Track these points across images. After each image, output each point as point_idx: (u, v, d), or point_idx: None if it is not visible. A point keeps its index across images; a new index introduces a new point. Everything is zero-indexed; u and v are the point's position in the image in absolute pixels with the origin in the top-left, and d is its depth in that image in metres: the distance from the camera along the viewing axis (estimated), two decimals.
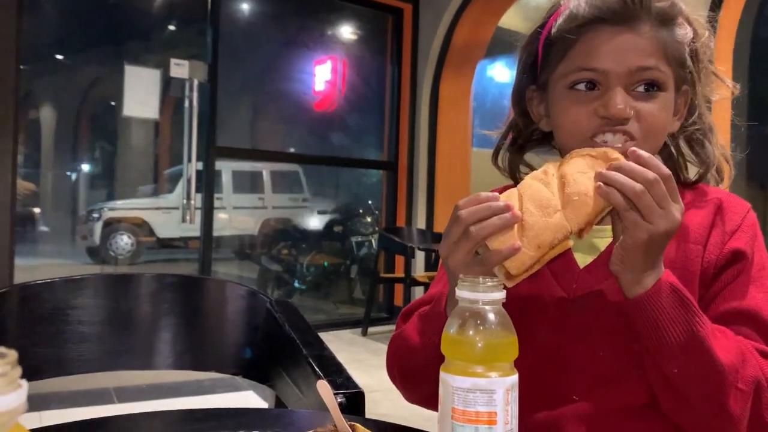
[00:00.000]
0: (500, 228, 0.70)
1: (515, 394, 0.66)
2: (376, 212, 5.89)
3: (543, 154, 0.98)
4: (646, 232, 0.68)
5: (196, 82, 4.32)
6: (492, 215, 0.70)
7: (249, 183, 8.06)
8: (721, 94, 0.88)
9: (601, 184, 0.70)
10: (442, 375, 0.67)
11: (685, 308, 0.72)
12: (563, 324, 0.83)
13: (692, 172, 0.91)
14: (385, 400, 3.31)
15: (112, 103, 7.05)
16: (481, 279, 0.66)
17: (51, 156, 8.90)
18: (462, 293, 0.66)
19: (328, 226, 6.37)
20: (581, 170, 0.72)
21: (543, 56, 0.86)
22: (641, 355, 0.75)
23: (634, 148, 0.70)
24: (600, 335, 0.80)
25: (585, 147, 0.80)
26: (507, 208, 0.70)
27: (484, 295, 0.65)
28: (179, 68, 4.29)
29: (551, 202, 0.72)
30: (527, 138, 0.94)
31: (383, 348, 3.98)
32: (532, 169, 0.96)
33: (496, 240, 0.71)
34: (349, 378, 1.07)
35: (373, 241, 5.66)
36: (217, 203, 6.98)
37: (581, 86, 0.81)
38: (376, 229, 5.60)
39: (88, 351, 1.34)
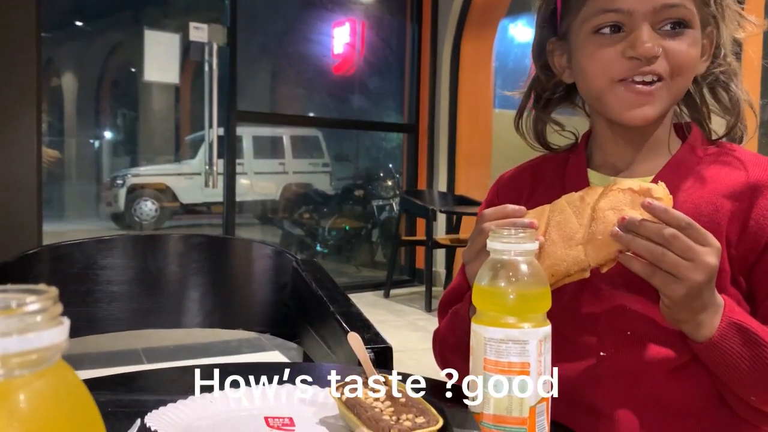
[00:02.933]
0: None
1: (548, 345, 0.65)
2: (397, 176, 5.87)
3: (568, 115, 0.96)
4: (680, 289, 0.67)
5: (215, 46, 4.29)
6: None
7: (269, 148, 8.07)
8: (749, 32, 0.85)
9: (621, 252, 0.68)
10: (474, 326, 0.67)
11: (754, 344, 0.70)
12: (590, 280, 0.82)
13: (716, 125, 0.89)
14: (408, 359, 3.36)
15: (133, 69, 7.05)
16: (513, 230, 0.66)
17: (74, 123, 8.98)
18: (494, 244, 0.66)
19: (349, 190, 6.37)
20: (616, 207, 0.70)
21: (562, 3, 0.83)
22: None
23: (649, 201, 0.67)
24: (627, 291, 0.79)
25: (613, 91, 0.79)
26: (531, 227, 0.70)
27: (516, 246, 0.65)
28: (198, 32, 4.26)
29: (575, 235, 0.71)
30: (551, 93, 0.92)
31: (405, 309, 4.02)
32: (559, 126, 0.94)
33: None
34: (377, 334, 1.08)
35: (394, 204, 5.66)
36: (238, 169, 7.01)
37: (606, 30, 0.79)
38: (397, 192, 5.60)
39: (118, 310, 1.37)
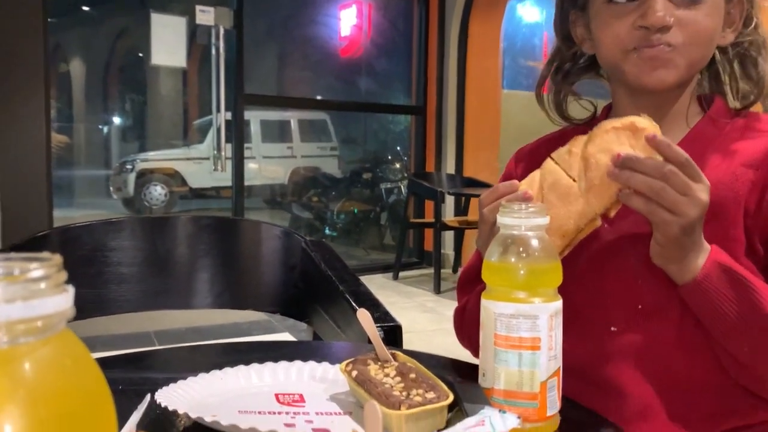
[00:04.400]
0: None
1: (559, 320, 0.65)
2: (405, 158, 5.85)
3: (591, 91, 0.95)
4: (676, 225, 0.67)
5: (222, 29, 4.27)
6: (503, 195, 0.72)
7: (277, 132, 8.06)
8: None
9: (621, 190, 0.69)
10: (484, 302, 0.66)
11: (740, 285, 0.70)
12: (600, 254, 0.81)
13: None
14: (418, 340, 3.37)
15: (140, 54, 7.04)
16: (523, 205, 0.65)
17: (82, 108, 8.98)
18: (504, 219, 0.65)
19: (357, 173, 6.36)
20: (606, 148, 0.69)
21: None
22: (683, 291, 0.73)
23: (653, 135, 0.67)
24: (638, 265, 0.78)
25: (627, 60, 0.78)
26: (526, 198, 0.71)
27: (527, 221, 0.64)
28: (205, 15, 4.24)
29: (571, 190, 0.71)
30: (572, 65, 0.91)
31: (414, 291, 4.03)
32: (577, 96, 0.93)
33: None
34: (386, 312, 1.08)
35: (402, 187, 5.65)
36: (246, 153, 7.00)
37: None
38: (405, 175, 5.58)
39: (128, 291, 1.37)
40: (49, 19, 3.86)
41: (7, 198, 3.69)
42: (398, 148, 6.24)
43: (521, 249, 0.64)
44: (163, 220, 1.44)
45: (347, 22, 6.08)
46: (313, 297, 1.29)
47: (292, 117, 7.98)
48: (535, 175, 0.74)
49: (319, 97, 7.70)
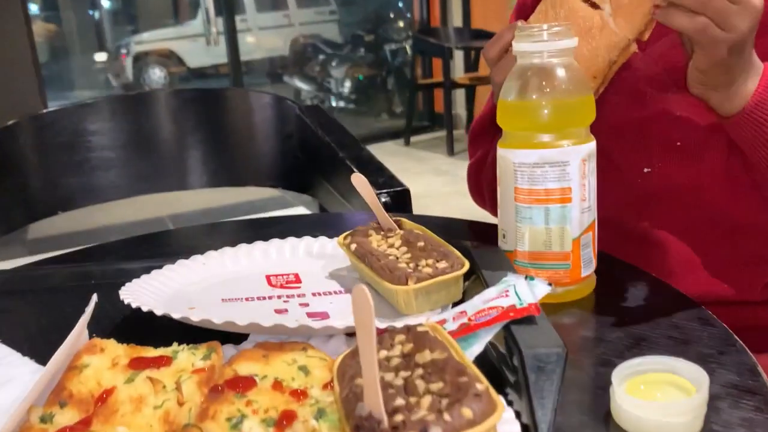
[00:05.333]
0: None
1: (593, 164, 0.54)
2: (408, 14, 5.52)
3: None
4: (724, 44, 0.53)
5: None
6: None
7: (271, 1, 7.64)
8: None
9: (657, 7, 0.54)
10: (500, 151, 0.55)
11: None
12: (632, 86, 0.68)
13: None
14: (435, 204, 3.31)
15: None
16: (545, 26, 0.52)
17: None
18: (521, 46, 0.52)
19: (359, 36, 6.04)
20: None
21: None
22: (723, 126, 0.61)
23: None
24: (677, 93, 0.66)
25: None
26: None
27: (550, 44, 0.51)
28: None
29: (593, 21, 0.56)
30: None
31: (427, 156, 3.90)
32: None
33: None
34: (392, 176, 0.98)
35: (407, 47, 5.37)
36: (242, 25, 6.66)
37: None
38: (410, 33, 5.28)
39: (118, 177, 1.28)
40: None
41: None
42: (400, 3, 5.88)
43: (544, 81, 0.52)
44: (143, 96, 1.31)
45: None
46: (314, 167, 1.19)
47: None
48: (546, 7, 0.60)
49: None
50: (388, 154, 4.36)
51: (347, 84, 5.90)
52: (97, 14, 8.85)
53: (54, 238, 2.94)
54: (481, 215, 0.80)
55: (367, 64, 5.88)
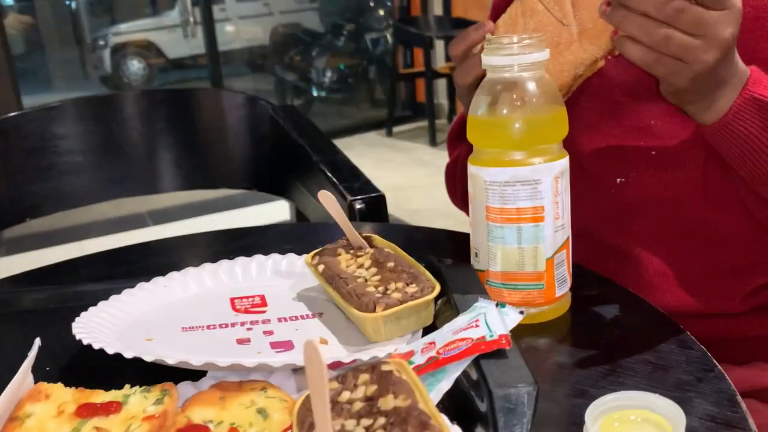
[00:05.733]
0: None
1: (566, 181, 0.52)
2: (389, 3, 5.47)
3: None
4: (688, 73, 0.50)
5: None
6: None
7: None
8: None
9: (614, 33, 0.51)
10: (471, 168, 0.53)
11: None
12: (604, 93, 0.66)
13: None
14: (416, 196, 3.28)
15: None
16: (515, 37, 0.49)
17: None
18: (490, 60, 0.50)
19: (339, 25, 5.98)
20: None
21: None
22: (703, 134, 0.59)
23: None
24: (650, 103, 0.63)
25: None
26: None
27: (521, 58, 0.49)
28: None
29: (561, 36, 0.54)
30: None
31: (410, 146, 3.87)
32: None
33: None
34: (366, 182, 0.95)
35: (388, 36, 5.32)
36: (221, 15, 6.57)
37: None
38: (391, 22, 5.23)
39: (88, 181, 1.24)
40: None
41: None
42: None
43: (515, 96, 0.49)
44: (110, 98, 1.28)
45: None
46: (288, 169, 1.16)
47: None
48: (516, 13, 0.57)
49: None
50: (370, 144, 4.33)
51: (328, 74, 5.84)
52: (74, 4, 8.70)
53: (31, 237, 2.89)
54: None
55: (348, 53, 5.82)
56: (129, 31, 8.22)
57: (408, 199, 3.11)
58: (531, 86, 0.49)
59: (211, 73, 4.24)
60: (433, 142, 4.08)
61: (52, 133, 1.22)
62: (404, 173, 3.61)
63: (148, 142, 1.27)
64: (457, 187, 0.78)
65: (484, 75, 0.52)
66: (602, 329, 0.53)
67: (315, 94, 5.81)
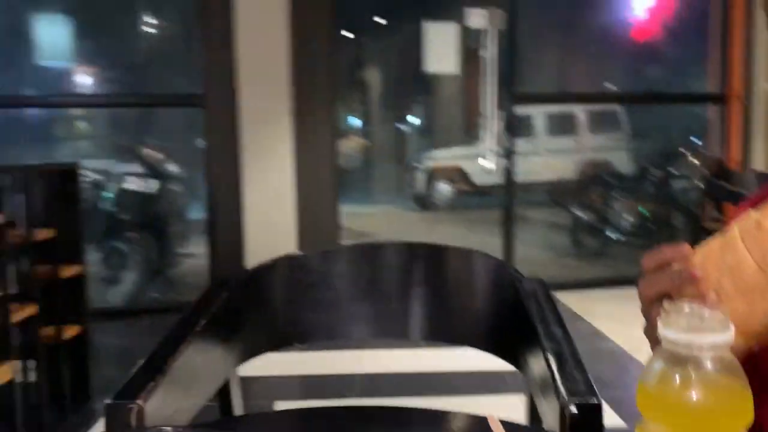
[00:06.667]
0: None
1: None
2: (703, 152, 5.14)
3: None
4: None
5: (494, 31, 4.23)
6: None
7: (561, 125, 7.78)
8: None
9: None
10: None
11: None
12: None
13: None
14: None
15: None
16: (694, 308, 0.46)
17: (377, 114, 9.80)
18: (667, 333, 0.46)
19: (647, 169, 5.79)
20: None
21: None
22: None
23: None
24: None
25: None
26: (692, 279, 0.52)
27: (699, 338, 0.45)
28: (477, 18, 4.23)
29: (757, 285, 0.49)
30: None
31: None
32: None
33: None
34: (587, 383, 0.90)
35: (697, 184, 4.97)
36: (528, 148, 6.87)
37: None
38: (702, 172, 4.90)
39: (347, 317, 1.39)
40: (345, 33, 4.22)
41: (303, 199, 4.12)
42: (696, 141, 5.52)
43: (689, 379, 0.45)
44: (377, 247, 1.43)
45: (641, 3, 5.53)
46: (521, 342, 1.16)
47: (579, 109, 7.61)
48: (715, 243, 0.54)
49: (606, 86, 7.20)
50: None
51: (627, 216, 5.65)
52: (405, 129, 9.97)
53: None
54: None
55: (652, 198, 5.58)
56: (442, 157, 9.08)
57: None
58: (709, 369, 0.44)
59: (505, 203, 4.43)
60: None
61: (329, 271, 1.40)
62: None
63: (404, 289, 1.38)
64: None
65: (666, 296, 0.49)
66: None
67: (611, 235, 5.64)
